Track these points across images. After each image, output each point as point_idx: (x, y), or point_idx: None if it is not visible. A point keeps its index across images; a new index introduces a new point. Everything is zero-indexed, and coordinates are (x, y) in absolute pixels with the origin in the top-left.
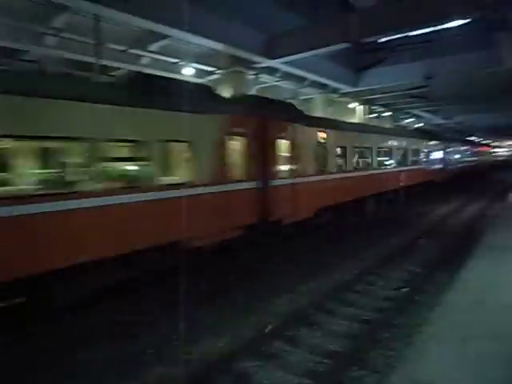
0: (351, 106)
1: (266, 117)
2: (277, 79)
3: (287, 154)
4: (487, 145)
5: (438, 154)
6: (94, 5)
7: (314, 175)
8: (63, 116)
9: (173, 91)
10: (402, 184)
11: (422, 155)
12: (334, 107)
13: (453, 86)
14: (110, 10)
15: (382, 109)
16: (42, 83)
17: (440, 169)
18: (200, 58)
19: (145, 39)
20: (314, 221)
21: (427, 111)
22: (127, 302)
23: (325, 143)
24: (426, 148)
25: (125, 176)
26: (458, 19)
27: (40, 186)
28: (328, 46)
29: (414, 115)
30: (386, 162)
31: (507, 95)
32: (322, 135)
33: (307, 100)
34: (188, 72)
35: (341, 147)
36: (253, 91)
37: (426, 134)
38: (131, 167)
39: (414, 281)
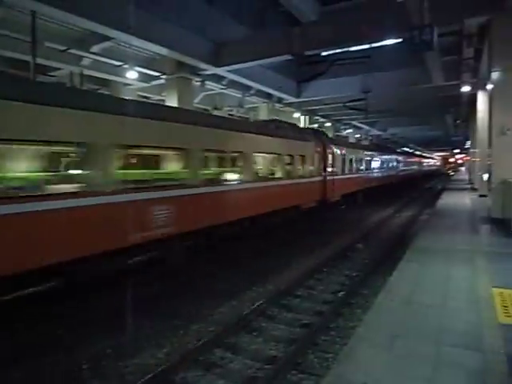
0: (296, 115)
1: (324, 142)
2: (223, 87)
3: (330, 162)
4: (420, 155)
5: (384, 164)
6: (31, 0)
7: (339, 175)
8: (259, 142)
9: (289, 128)
10: (368, 185)
11: (375, 164)
12: (280, 116)
13: (388, 100)
14: (48, 7)
15: (323, 119)
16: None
17: (389, 174)
18: (145, 62)
19: (87, 40)
20: (340, 201)
21: (365, 123)
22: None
23: (343, 155)
24: (377, 158)
25: (281, 173)
26: (391, 38)
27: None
28: (272, 56)
29: (353, 126)
30: (361, 168)
31: (436, 110)
32: (342, 150)
33: (253, 108)
34: (132, 76)
35: (349, 159)
36: (199, 98)
37: (378, 147)
38: (283, 167)
39: (351, 284)
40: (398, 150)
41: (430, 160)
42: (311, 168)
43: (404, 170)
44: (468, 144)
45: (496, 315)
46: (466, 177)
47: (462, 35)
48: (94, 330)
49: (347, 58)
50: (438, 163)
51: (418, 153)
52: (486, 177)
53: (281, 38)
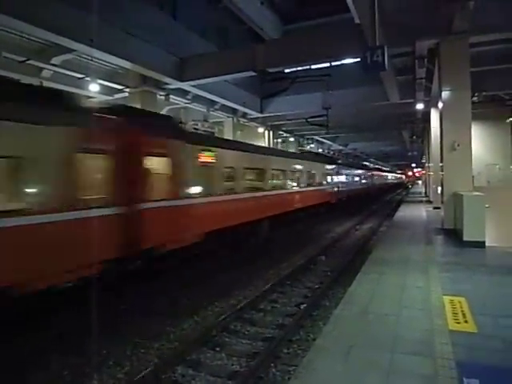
0: (260, 130)
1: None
2: (187, 101)
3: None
4: (380, 169)
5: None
6: None
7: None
8: None
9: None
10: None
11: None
12: (245, 131)
13: (347, 116)
14: (6, 17)
15: (287, 134)
16: None
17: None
18: (108, 75)
19: (47, 51)
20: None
21: (327, 138)
22: None
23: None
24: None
25: None
26: (349, 58)
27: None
28: (235, 72)
29: (316, 141)
30: (289, 183)
31: (393, 126)
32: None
33: (218, 123)
34: (94, 88)
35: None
36: (164, 111)
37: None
38: None
39: (313, 296)
40: (359, 164)
41: (390, 174)
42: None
43: (362, 184)
44: (424, 159)
45: (447, 322)
46: (423, 190)
47: (414, 56)
48: (51, 349)
49: (308, 75)
50: (400, 177)
51: (378, 167)
52: (439, 190)
53: (244, 55)
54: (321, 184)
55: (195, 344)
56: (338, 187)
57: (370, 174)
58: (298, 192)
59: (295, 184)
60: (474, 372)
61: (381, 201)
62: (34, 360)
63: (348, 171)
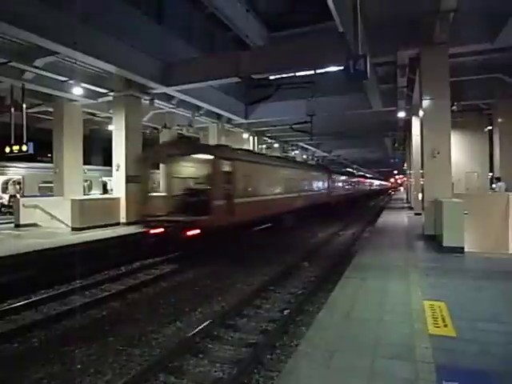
0: (245, 136)
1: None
2: (172, 106)
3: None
4: (364, 176)
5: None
6: None
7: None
8: None
9: None
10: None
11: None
12: (230, 137)
13: (331, 123)
14: None
15: (272, 140)
16: None
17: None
18: (92, 78)
19: (30, 53)
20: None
21: (311, 145)
22: None
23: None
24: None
25: None
26: (333, 66)
27: None
28: (220, 78)
29: (300, 147)
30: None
31: (376, 134)
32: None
33: (203, 128)
34: (78, 92)
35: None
36: (148, 116)
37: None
38: None
39: (296, 302)
40: (345, 172)
41: (374, 180)
42: None
43: (346, 190)
44: (405, 166)
45: (427, 327)
46: (405, 196)
47: (396, 66)
48: (30, 358)
49: (293, 82)
50: (382, 183)
51: (361, 173)
52: (419, 196)
53: (229, 61)
54: (325, 188)
55: (178, 351)
56: (334, 191)
57: (356, 180)
58: (313, 194)
59: (312, 188)
60: (454, 375)
61: (364, 206)
62: (14, 367)
63: (341, 178)
